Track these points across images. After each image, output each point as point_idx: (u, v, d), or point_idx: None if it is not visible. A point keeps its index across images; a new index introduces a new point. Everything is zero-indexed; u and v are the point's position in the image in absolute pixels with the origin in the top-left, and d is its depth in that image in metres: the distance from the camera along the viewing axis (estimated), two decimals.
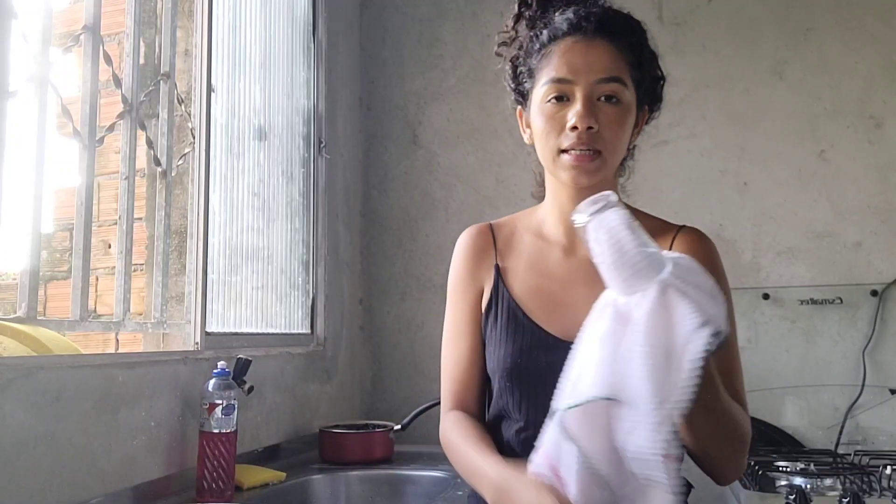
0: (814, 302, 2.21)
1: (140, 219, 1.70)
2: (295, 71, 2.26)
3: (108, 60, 1.50)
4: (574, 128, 1.01)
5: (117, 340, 1.81)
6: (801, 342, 2.20)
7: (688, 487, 1.11)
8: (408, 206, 2.57)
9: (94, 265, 1.58)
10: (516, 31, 1.15)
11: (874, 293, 2.16)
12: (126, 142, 1.55)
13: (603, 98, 1.03)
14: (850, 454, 1.92)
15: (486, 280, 1.14)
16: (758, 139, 2.31)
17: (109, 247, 1.84)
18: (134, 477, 1.38)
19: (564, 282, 1.10)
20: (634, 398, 0.78)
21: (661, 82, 1.13)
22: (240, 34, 1.96)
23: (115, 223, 1.58)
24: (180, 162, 1.72)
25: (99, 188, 1.79)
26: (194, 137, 1.72)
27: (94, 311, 1.83)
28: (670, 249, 1.10)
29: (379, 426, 2.04)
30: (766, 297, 2.23)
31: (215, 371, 1.52)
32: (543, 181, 1.17)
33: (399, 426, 2.00)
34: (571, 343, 0.87)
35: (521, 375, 1.06)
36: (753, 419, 1.04)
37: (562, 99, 1.04)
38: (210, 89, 1.74)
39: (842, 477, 1.59)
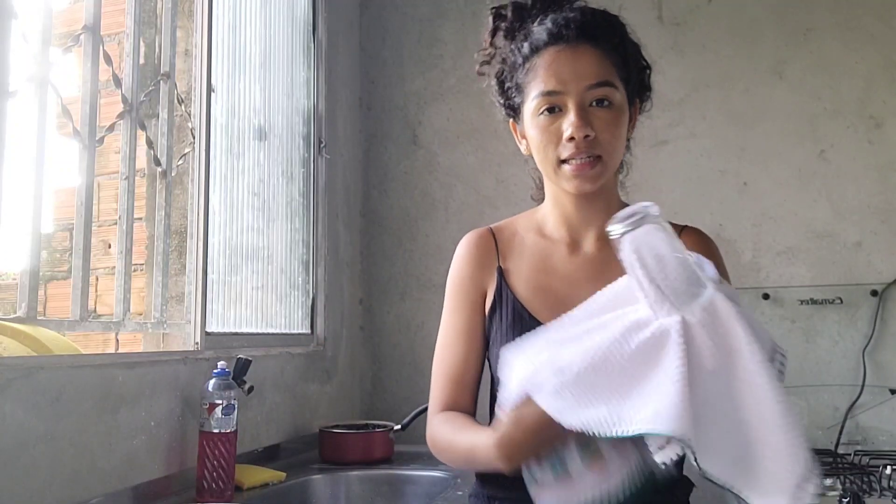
0: (814, 302, 2.21)
1: (140, 219, 1.70)
2: (295, 71, 2.26)
3: (108, 60, 1.50)
4: (571, 138, 1.01)
5: (117, 340, 1.81)
6: (801, 342, 2.20)
7: (688, 487, 1.11)
8: (408, 206, 2.56)
9: (94, 265, 1.58)
10: (495, 47, 1.14)
11: (874, 293, 2.16)
12: (126, 142, 1.55)
13: (595, 103, 1.02)
14: (850, 454, 1.92)
15: (489, 283, 1.14)
16: (758, 139, 2.31)
17: (109, 247, 1.84)
18: (134, 477, 1.38)
19: (569, 280, 1.10)
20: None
21: (648, 72, 1.13)
22: (240, 34, 1.96)
23: (115, 223, 1.58)
24: (180, 162, 1.72)
25: (99, 188, 1.79)
26: (194, 137, 1.72)
27: (94, 311, 1.83)
28: None
29: (379, 426, 2.04)
30: (766, 297, 2.23)
31: (215, 371, 1.52)
32: (542, 185, 1.17)
33: (399, 426, 2.00)
34: None
35: None
36: None
37: (554, 110, 1.03)
38: (210, 89, 1.74)
39: (842, 477, 1.59)
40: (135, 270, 1.61)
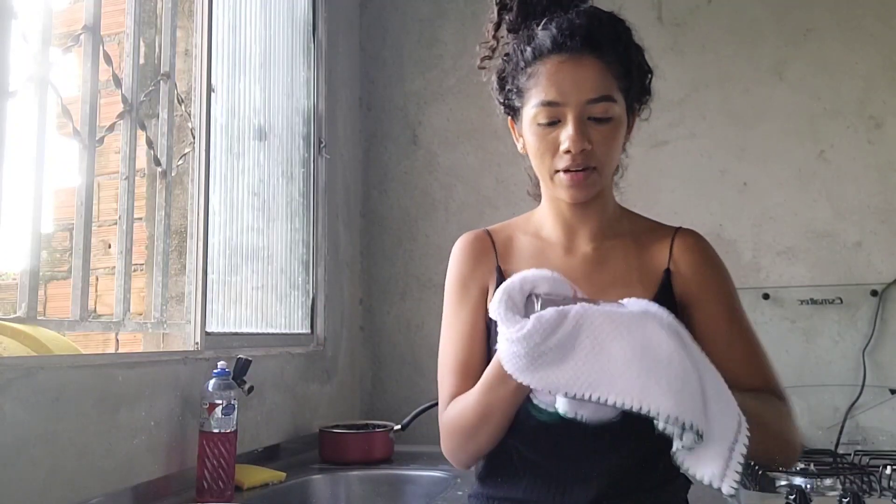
0: (814, 302, 2.21)
1: (140, 219, 1.70)
2: (295, 71, 2.26)
3: (108, 60, 1.50)
4: (568, 150, 1.02)
5: (117, 340, 1.81)
6: (801, 342, 2.20)
7: (687, 484, 1.11)
8: (408, 206, 2.57)
9: (94, 265, 1.58)
10: (497, 40, 1.14)
11: (874, 293, 2.16)
12: (126, 142, 1.55)
13: (593, 118, 1.02)
14: (850, 454, 1.92)
15: (490, 282, 1.14)
16: (758, 139, 2.31)
17: (109, 247, 1.84)
18: (134, 477, 1.38)
19: (567, 279, 1.10)
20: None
21: (650, 76, 1.12)
22: (240, 34, 1.96)
23: (115, 223, 1.58)
24: (180, 162, 1.72)
25: (99, 188, 1.79)
26: (194, 137, 1.72)
27: (94, 311, 1.83)
28: (669, 251, 1.10)
29: (379, 426, 2.04)
30: (766, 297, 2.23)
31: (215, 371, 1.52)
32: (539, 182, 1.17)
33: (399, 426, 1.99)
34: None
35: None
36: None
37: (553, 121, 1.03)
38: (210, 89, 1.74)
39: (842, 477, 1.59)
40: (135, 270, 1.61)
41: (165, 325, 1.63)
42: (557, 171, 1.05)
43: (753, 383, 1.03)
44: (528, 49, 1.05)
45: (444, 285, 1.19)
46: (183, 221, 1.75)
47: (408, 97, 2.60)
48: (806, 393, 2.17)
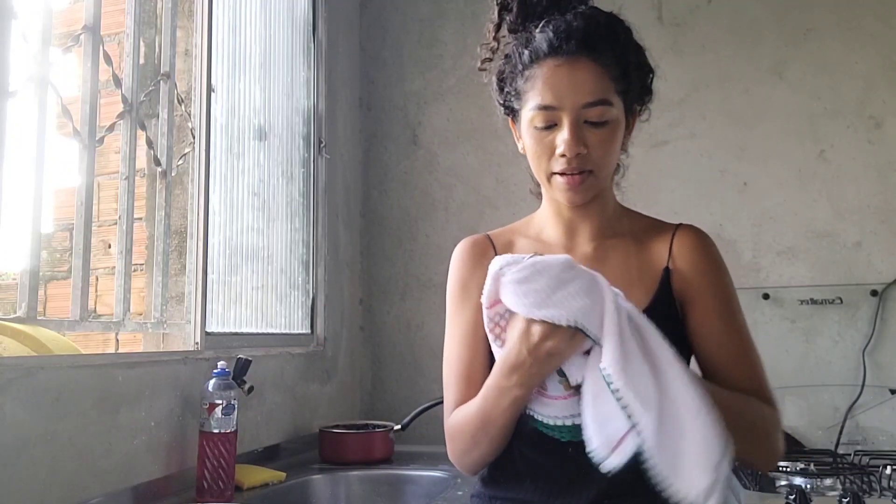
0: (814, 302, 2.21)
1: (140, 219, 1.70)
2: (295, 71, 2.26)
3: (108, 60, 1.50)
4: (563, 154, 1.02)
5: (117, 340, 1.81)
6: (801, 342, 2.20)
7: None
8: (408, 206, 2.57)
9: (94, 265, 1.58)
10: (498, 41, 1.13)
11: (874, 293, 2.16)
12: (126, 142, 1.55)
13: (589, 121, 1.02)
14: (850, 454, 1.92)
15: None
16: (758, 139, 2.31)
17: (109, 247, 1.83)
18: (134, 477, 1.38)
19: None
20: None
21: (651, 75, 1.12)
22: (240, 34, 1.96)
23: (115, 223, 1.58)
24: (180, 162, 1.72)
25: (99, 188, 1.79)
26: (194, 137, 1.72)
27: (94, 311, 1.83)
28: (670, 248, 1.10)
29: (379, 426, 2.04)
30: (766, 297, 2.23)
31: (215, 371, 1.52)
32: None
33: (399, 426, 2.00)
34: None
35: None
36: None
37: (549, 124, 1.04)
38: (210, 89, 1.74)
39: (842, 477, 1.59)
40: (135, 270, 1.61)
41: (165, 325, 1.63)
42: (554, 174, 1.05)
43: (743, 385, 1.03)
44: (526, 52, 1.05)
45: (444, 285, 1.19)
46: (183, 221, 1.75)
47: (408, 97, 2.60)
48: (806, 393, 2.17)
